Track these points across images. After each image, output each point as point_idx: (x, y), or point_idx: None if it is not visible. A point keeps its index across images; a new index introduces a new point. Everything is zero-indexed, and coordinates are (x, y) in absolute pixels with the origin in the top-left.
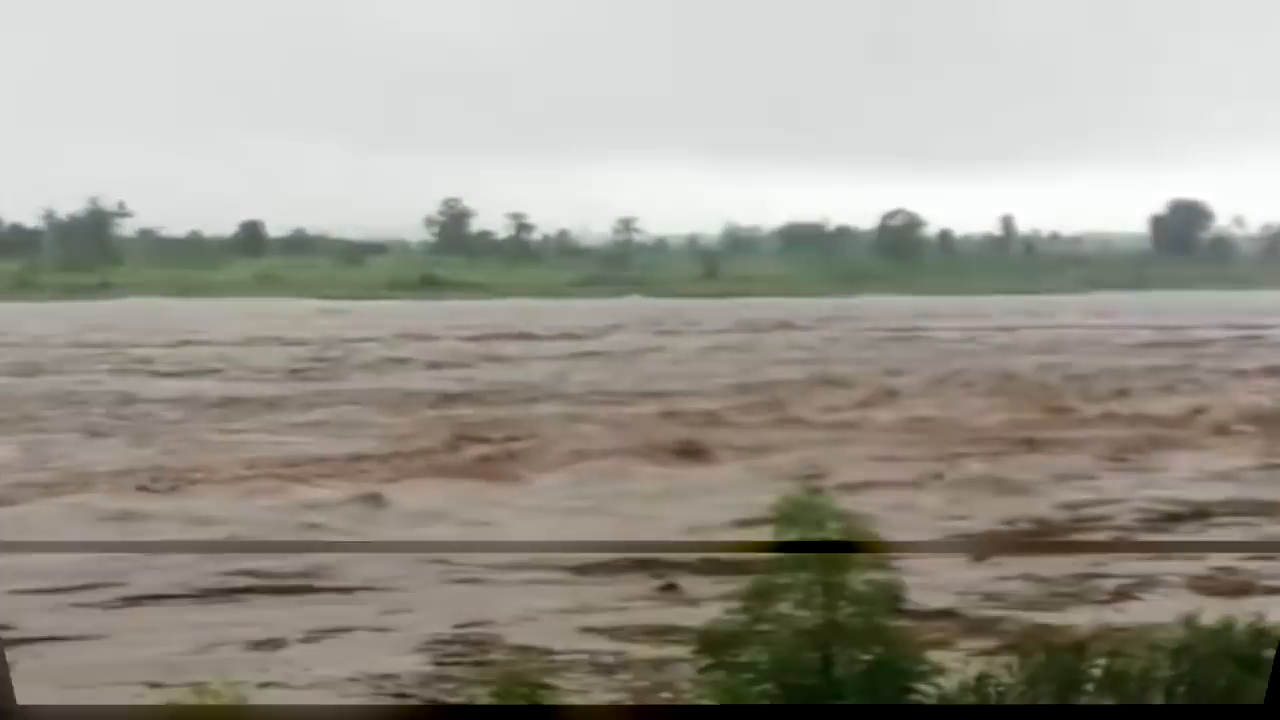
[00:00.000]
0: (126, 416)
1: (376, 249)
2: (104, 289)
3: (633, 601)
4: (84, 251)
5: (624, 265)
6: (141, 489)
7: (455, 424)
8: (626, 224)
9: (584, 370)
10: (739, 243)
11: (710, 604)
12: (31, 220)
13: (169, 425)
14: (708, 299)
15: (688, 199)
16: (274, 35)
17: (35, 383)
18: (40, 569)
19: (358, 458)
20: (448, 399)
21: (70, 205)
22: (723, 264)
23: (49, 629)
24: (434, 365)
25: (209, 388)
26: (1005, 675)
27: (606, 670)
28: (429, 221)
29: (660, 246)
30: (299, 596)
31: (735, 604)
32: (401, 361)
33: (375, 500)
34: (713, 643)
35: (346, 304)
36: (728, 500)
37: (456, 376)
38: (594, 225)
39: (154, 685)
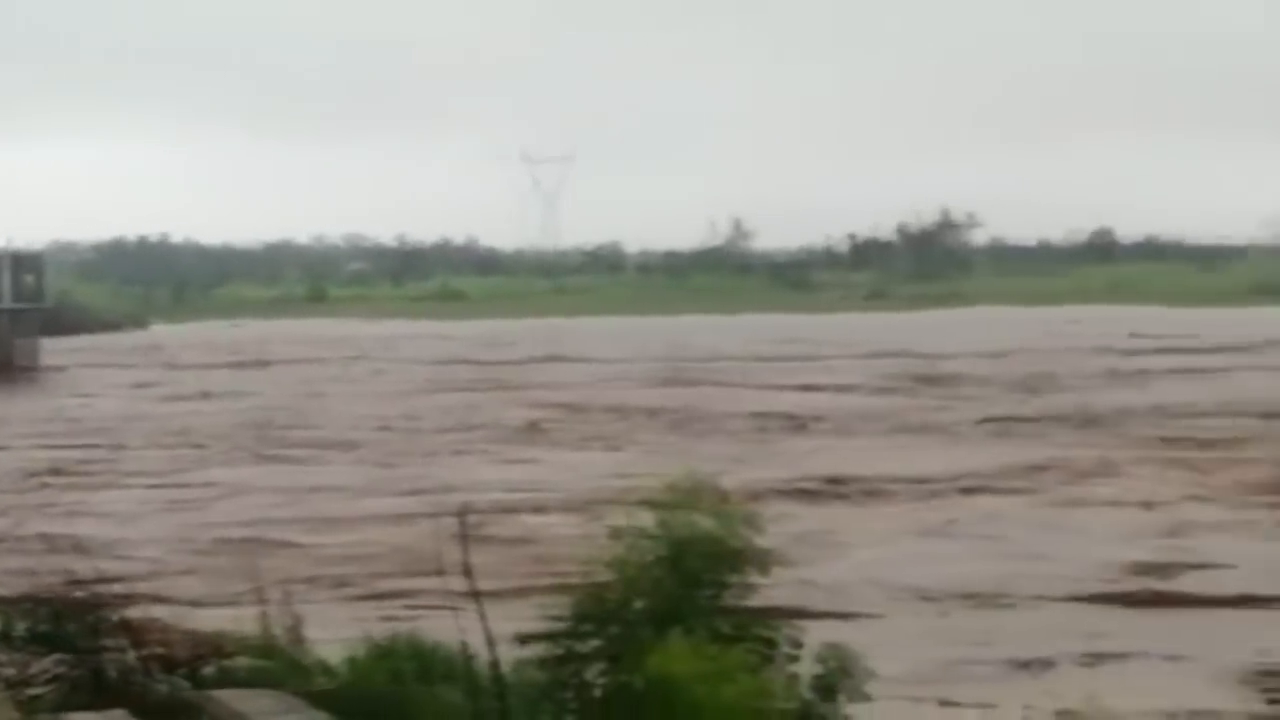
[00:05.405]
0: None
1: (1236, 254)
2: (952, 299)
3: None
4: (934, 263)
5: None
6: None
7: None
8: None
9: None
10: None
11: None
12: (885, 233)
13: None
14: None
15: None
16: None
17: None
18: None
19: None
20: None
21: (921, 218)
22: None
23: None
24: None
25: None
26: None
27: None
28: None
29: None
30: None
31: None
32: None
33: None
34: None
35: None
36: None
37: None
38: None
39: None
